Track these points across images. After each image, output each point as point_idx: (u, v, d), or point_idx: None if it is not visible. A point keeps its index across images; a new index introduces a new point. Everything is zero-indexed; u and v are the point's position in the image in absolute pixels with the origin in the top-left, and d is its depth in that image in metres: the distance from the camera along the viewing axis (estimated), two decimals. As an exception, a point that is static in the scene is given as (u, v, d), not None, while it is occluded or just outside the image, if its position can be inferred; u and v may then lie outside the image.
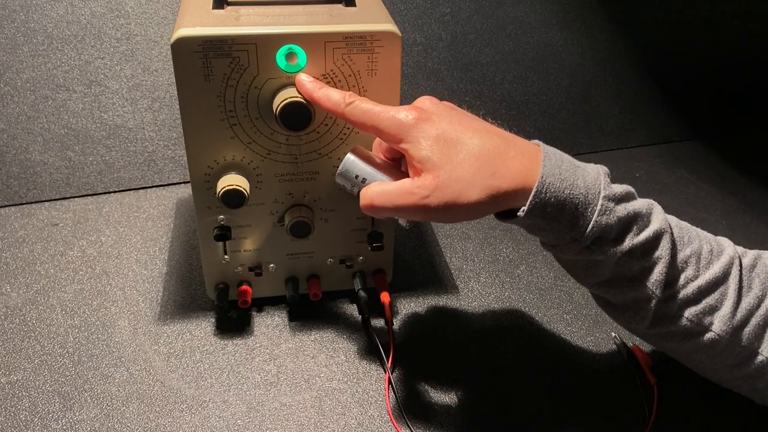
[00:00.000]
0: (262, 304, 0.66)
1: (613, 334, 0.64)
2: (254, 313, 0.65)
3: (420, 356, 0.62)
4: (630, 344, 0.62)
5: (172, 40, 0.51)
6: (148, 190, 0.84)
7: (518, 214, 0.46)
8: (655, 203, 0.51)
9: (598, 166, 0.51)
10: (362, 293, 0.64)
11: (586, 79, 1.02)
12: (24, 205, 0.80)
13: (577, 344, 0.64)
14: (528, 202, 0.46)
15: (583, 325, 0.66)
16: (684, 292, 0.49)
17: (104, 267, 0.71)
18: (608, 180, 0.49)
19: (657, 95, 1.04)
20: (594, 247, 0.47)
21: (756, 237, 0.81)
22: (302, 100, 0.52)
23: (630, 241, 0.48)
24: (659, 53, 1.06)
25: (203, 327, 0.64)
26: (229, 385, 0.58)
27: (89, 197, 0.82)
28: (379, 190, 0.49)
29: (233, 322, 0.64)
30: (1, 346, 0.61)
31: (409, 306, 0.67)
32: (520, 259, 0.75)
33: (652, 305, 0.49)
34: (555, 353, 0.63)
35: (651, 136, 1.02)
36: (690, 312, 0.49)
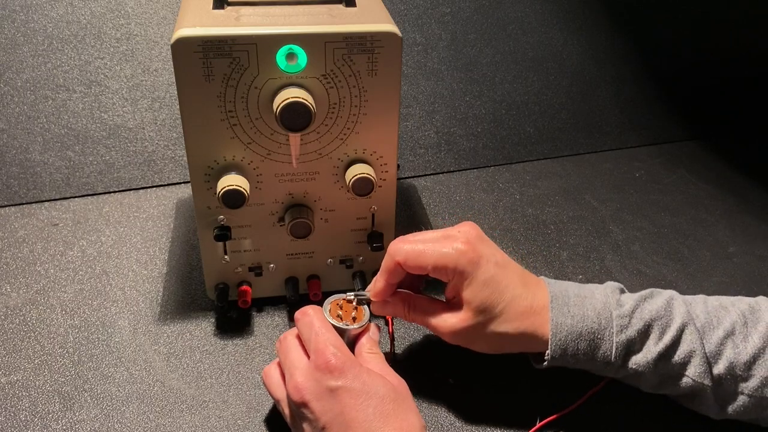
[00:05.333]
0: (262, 304, 0.66)
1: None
2: (254, 313, 0.65)
3: (420, 356, 0.62)
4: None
5: (172, 40, 0.51)
6: (148, 190, 0.84)
7: (544, 364, 0.53)
8: (675, 294, 0.54)
9: (607, 285, 0.55)
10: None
11: (586, 79, 1.02)
12: (24, 205, 0.80)
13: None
14: (548, 353, 0.52)
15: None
16: (733, 373, 0.51)
17: (104, 267, 0.71)
18: (619, 296, 0.53)
19: (657, 95, 1.04)
20: (626, 363, 0.52)
21: (756, 237, 0.81)
22: (302, 100, 0.52)
23: (656, 345, 0.51)
24: (659, 53, 1.06)
25: (203, 327, 0.64)
26: (229, 385, 0.58)
27: (89, 197, 0.82)
28: (420, 317, 0.55)
29: (233, 322, 0.64)
30: (1, 346, 0.61)
31: (409, 306, 0.67)
32: (520, 259, 0.75)
33: (709, 392, 0.51)
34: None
35: (651, 136, 1.02)
36: (748, 388, 0.51)
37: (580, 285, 0.55)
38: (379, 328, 0.55)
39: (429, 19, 0.97)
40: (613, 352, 0.51)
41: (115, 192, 0.83)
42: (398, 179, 0.84)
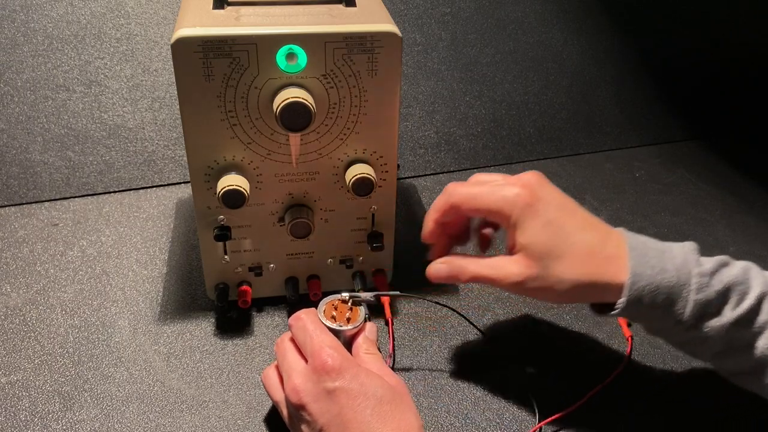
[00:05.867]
0: (262, 304, 0.66)
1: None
2: (254, 313, 0.65)
3: (420, 356, 0.62)
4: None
5: (172, 40, 0.51)
6: (148, 190, 0.84)
7: (615, 309, 0.49)
8: (752, 265, 0.51)
9: (684, 244, 0.52)
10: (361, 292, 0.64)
11: (586, 79, 1.02)
12: (24, 205, 0.80)
13: (577, 344, 0.64)
14: (623, 299, 0.48)
15: (584, 325, 0.66)
16: None
17: (104, 267, 0.71)
18: (698, 256, 0.51)
19: (657, 95, 1.04)
20: (698, 324, 0.49)
21: (756, 237, 0.81)
22: (302, 100, 0.52)
23: (732, 311, 0.49)
24: (659, 53, 1.06)
25: (203, 327, 0.64)
26: (229, 385, 0.58)
27: (89, 197, 0.82)
28: (475, 269, 0.52)
29: (233, 322, 0.64)
30: (1, 346, 0.61)
31: (409, 306, 0.67)
32: (520, 259, 0.75)
33: None
34: (555, 353, 0.63)
35: (651, 136, 1.02)
36: None
37: (657, 240, 0.52)
38: (377, 327, 0.55)
39: (429, 19, 0.97)
40: (688, 310, 0.48)
41: (115, 192, 0.83)
42: (398, 179, 0.84)
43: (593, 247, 0.49)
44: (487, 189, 0.52)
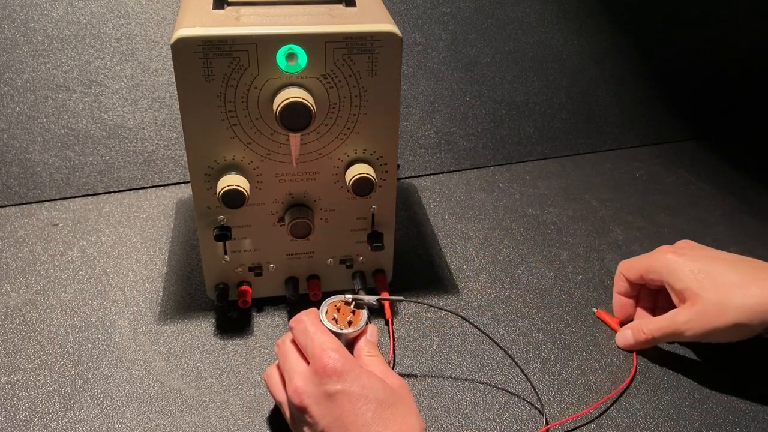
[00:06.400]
0: (262, 304, 0.66)
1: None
2: (254, 313, 0.65)
3: (420, 356, 0.62)
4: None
5: (172, 40, 0.51)
6: (148, 190, 0.84)
7: None
8: None
9: None
10: (362, 293, 0.64)
11: (586, 79, 1.02)
12: (24, 205, 0.80)
13: (577, 344, 0.64)
14: None
15: (584, 325, 0.66)
16: None
17: (104, 267, 0.71)
18: None
19: (657, 95, 1.04)
20: None
21: (756, 237, 0.81)
22: (302, 100, 0.52)
23: None
24: (659, 53, 1.06)
25: (203, 327, 0.64)
26: (229, 385, 0.58)
27: (89, 197, 0.82)
28: (654, 326, 0.59)
29: (233, 322, 0.64)
30: (1, 346, 0.61)
31: (409, 307, 0.67)
32: (520, 259, 0.75)
33: None
34: (555, 353, 0.63)
35: (651, 136, 1.02)
36: None
37: None
38: (378, 329, 0.55)
39: (429, 19, 0.97)
40: None
41: (115, 192, 0.83)
42: (398, 179, 0.84)
43: (745, 273, 0.54)
44: (643, 255, 0.62)
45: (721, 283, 0.54)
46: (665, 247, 0.61)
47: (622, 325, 0.64)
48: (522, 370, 0.60)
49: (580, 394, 0.58)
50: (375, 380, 0.46)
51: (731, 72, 1.08)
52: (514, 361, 0.61)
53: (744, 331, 0.54)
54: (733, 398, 0.58)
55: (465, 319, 0.62)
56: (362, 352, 0.52)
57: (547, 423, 0.55)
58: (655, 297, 0.64)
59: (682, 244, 0.62)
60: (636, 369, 0.61)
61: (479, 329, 0.63)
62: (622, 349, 0.63)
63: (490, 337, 0.63)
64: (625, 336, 0.62)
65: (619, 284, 0.64)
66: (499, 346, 0.62)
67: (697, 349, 0.63)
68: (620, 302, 0.65)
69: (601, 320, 0.66)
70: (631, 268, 0.62)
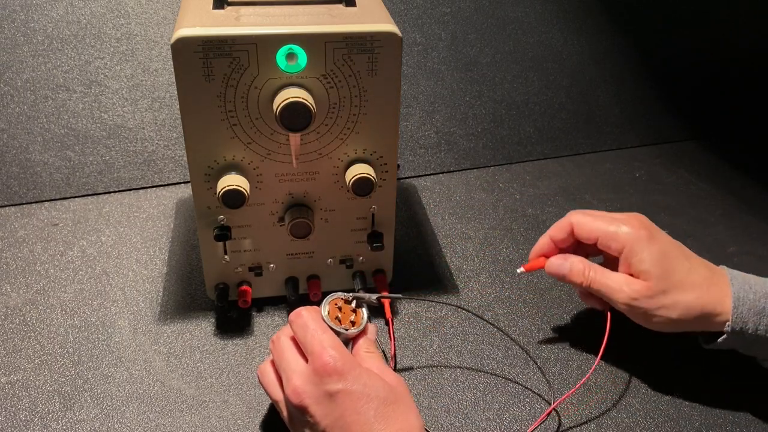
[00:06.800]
0: (262, 304, 0.66)
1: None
2: (254, 313, 0.65)
3: (420, 356, 0.62)
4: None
5: (172, 40, 0.51)
6: (148, 190, 0.84)
7: (719, 339, 0.54)
8: None
9: None
10: (362, 292, 0.63)
11: (586, 79, 1.02)
12: (24, 205, 0.80)
13: (577, 344, 0.64)
14: (728, 325, 0.53)
15: (584, 325, 0.66)
16: None
17: (104, 267, 0.71)
18: None
19: (657, 95, 1.04)
20: None
21: (756, 237, 0.81)
22: (302, 100, 0.52)
23: None
24: (659, 53, 1.06)
25: (203, 327, 0.64)
26: (229, 385, 0.58)
27: (89, 197, 0.82)
28: (600, 278, 0.57)
29: (233, 322, 0.64)
30: (1, 346, 0.61)
31: (409, 306, 0.67)
32: (520, 259, 0.75)
33: None
34: (555, 353, 0.63)
35: (651, 136, 1.02)
36: None
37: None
38: (377, 327, 0.55)
39: (429, 19, 0.97)
40: None
41: (115, 192, 0.83)
42: (398, 179, 0.84)
43: (704, 278, 0.55)
44: (607, 217, 0.58)
45: (680, 279, 0.54)
46: (634, 221, 0.57)
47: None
48: (529, 354, 0.60)
49: (581, 394, 0.58)
50: (375, 378, 0.46)
51: (731, 72, 1.08)
52: (524, 349, 0.61)
53: (677, 327, 0.55)
54: (733, 397, 0.58)
55: (468, 311, 0.62)
56: (361, 349, 0.52)
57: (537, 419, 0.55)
58: (585, 255, 0.61)
59: (643, 222, 0.58)
60: (610, 328, 0.59)
61: (485, 320, 0.63)
62: (548, 274, 0.60)
63: (488, 322, 0.63)
64: (562, 266, 0.59)
65: (560, 234, 0.60)
66: (505, 333, 0.63)
67: (698, 349, 0.63)
68: (547, 247, 0.61)
69: (529, 270, 0.62)
70: (588, 229, 0.58)
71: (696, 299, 0.54)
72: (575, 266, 0.58)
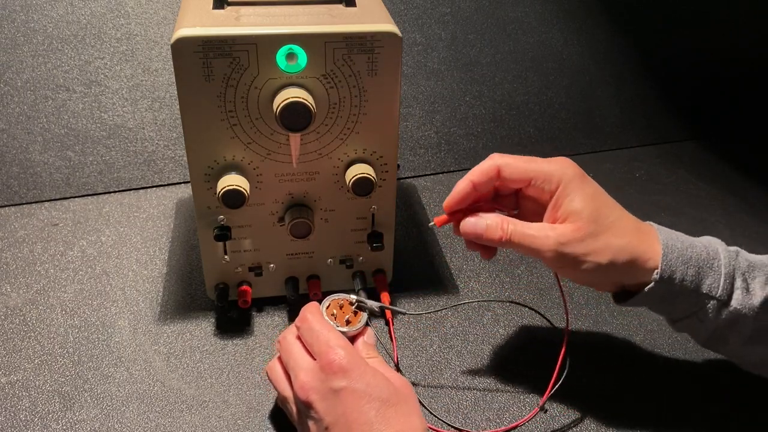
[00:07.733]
0: (262, 304, 0.66)
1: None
2: (254, 313, 0.65)
3: (420, 356, 0.62)
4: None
5: (172, 40, 0.51)
6: (148, 190, 0.84)
7: (653, 276, 0.50)
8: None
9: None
10: (362, 293, 0.64)
11: (586, 79, 1.02)
12: (24, 205, 0.80)
13: (576, 345, 0.64)
14: (656, 272, 0.50)
15: (583, 325, 0.66)
16: None
17: (104, 267, 0.71)
18: (720, 240, 0.54)
19: (657, 95, 1.04)
20: (730, 301, 0.50)
21: (756, 237, 0.81)
22: (302, 100, 0.52)
23: (763, 289, 0.50)
24: (659, 53, 1.06)
25: (203, 327, 0.64)
26: (229, 385, 0.58)
27: (89, 197, 0.82)
28: (520, 229, 0.52)
29: (233, 322, 0.64)
30: (1, 346, 0.61)
31: (409, 306, 0.67)
32: (520, 259, 0.75)
33: None
34: (555, 353, 0.63)
35: (651, 136, 1.02)
36: None
37: None
38: (374, 333, 0.55)
39: (429, 19, 0.97)
40: (721, 283, 0.50)
41: (115, 192, 0.83)
42: (398, 179, 0.84)
43: (633, 225, 0.52)
44: (537, 159, 0.53)
45: (612, 222, 0.51)
46: (564, 162, 0.52)
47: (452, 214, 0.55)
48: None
49: (580, 396, 0.58)
50: (380, 379, 0.46)
51: (731, 72, 1.08)
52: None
53: (605, 275, 0.51)
54: (733, 397, 0.58)
55: (483, 300, 0.62)
56: (362, 354, 0.52)
57: (537, 419, 0.55)
58: (503, 203, 0.56)
59: (573, 164, 0.53)
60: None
61: (495, 300, 0.63)
62: (463, 235, 0.54)
63: (504, 300, 0.63)
64: (477, 225, 0.53)
65: (482, 177, 0.53)
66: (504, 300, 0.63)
67: (698, 349, 0.63)
68: (465, 193, 0.54)
69: (441, 224, 0.56)
70: (522, 170, 0.52)
71: (627, 243, 0.50)
72: (492, 221, 0.52)
